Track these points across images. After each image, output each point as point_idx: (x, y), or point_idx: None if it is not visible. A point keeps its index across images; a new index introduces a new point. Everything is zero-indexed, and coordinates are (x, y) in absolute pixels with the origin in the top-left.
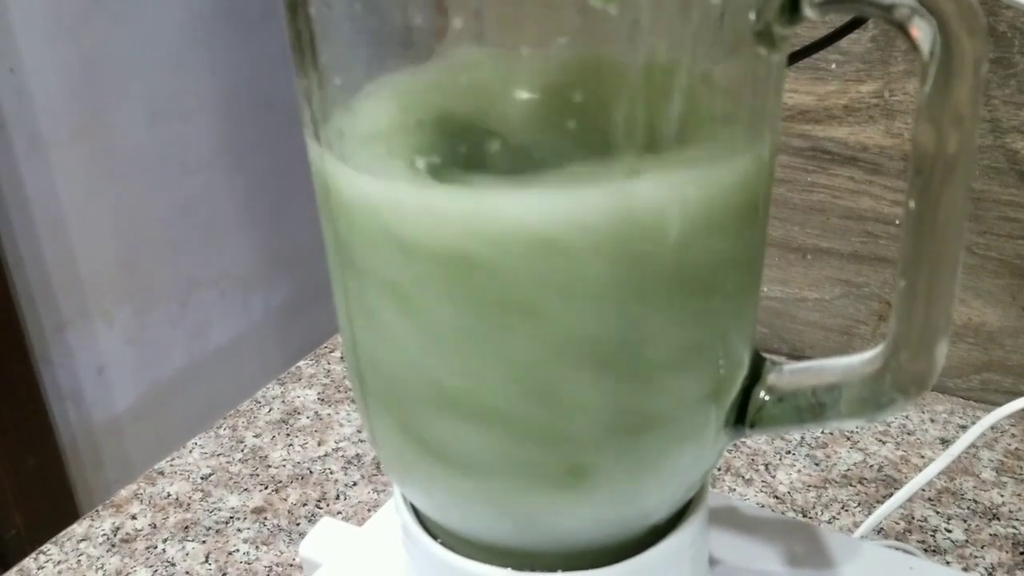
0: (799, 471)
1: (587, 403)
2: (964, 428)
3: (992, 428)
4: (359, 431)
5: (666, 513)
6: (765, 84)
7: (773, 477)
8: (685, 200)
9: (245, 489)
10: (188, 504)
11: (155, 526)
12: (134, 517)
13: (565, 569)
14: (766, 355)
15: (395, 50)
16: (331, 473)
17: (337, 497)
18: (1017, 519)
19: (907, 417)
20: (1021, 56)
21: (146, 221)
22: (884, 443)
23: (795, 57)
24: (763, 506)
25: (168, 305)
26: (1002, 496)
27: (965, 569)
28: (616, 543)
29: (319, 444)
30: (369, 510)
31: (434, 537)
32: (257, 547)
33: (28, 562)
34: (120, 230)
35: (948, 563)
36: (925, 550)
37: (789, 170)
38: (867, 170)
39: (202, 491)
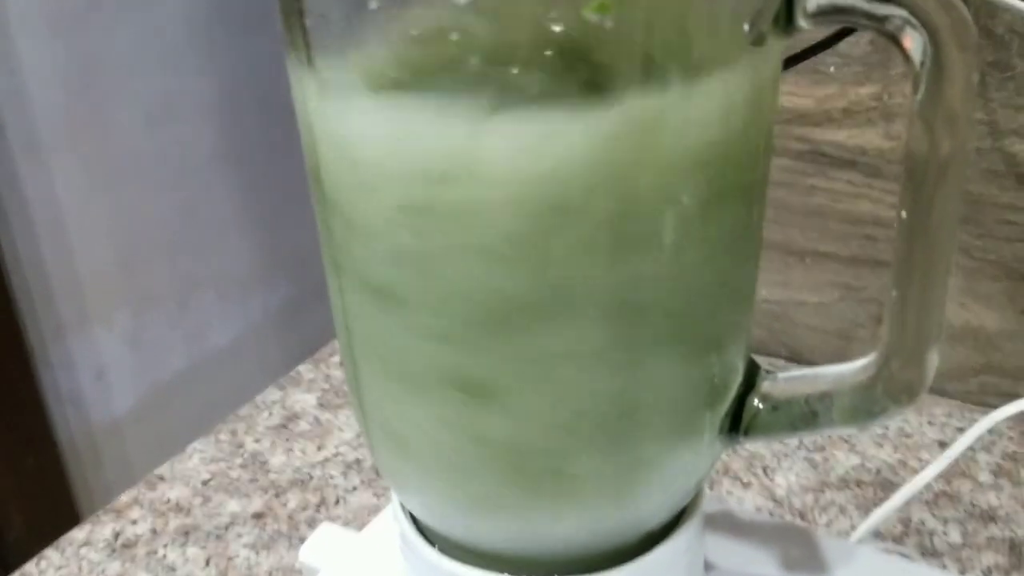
0: (797, 474)
1: (581, 411)
2: (962, 431)
3: (990, 431)
4: (359, 436)
5: (661, 519)
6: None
7: (771, 480)
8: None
9: (245, 494)
10: (188, 509)
11: (156, 531)
12: (135, 522)
13: (561, 575)
14: (763, 359)
15: None
16: (331, 478)
17: (337, 502)
18: (1014, 522)
19: (905, 420)
20: (1019, 59)
21: (144, 223)
22: (882, 446)
23: (793, 60)
24: (760, 509)
25: (167, 307)
26: (999, 499)
27: (962, 572)
28: (611, 549)
29: (319, 449)
30: (369, 514)
31: (432, 544)
32: (257, 552)
33: (30, 567)
34: (119, 232)
35: (945, 566)
36: (922, 553)
37: (788, 173)
38: (866, 173)
39: (202, 496)
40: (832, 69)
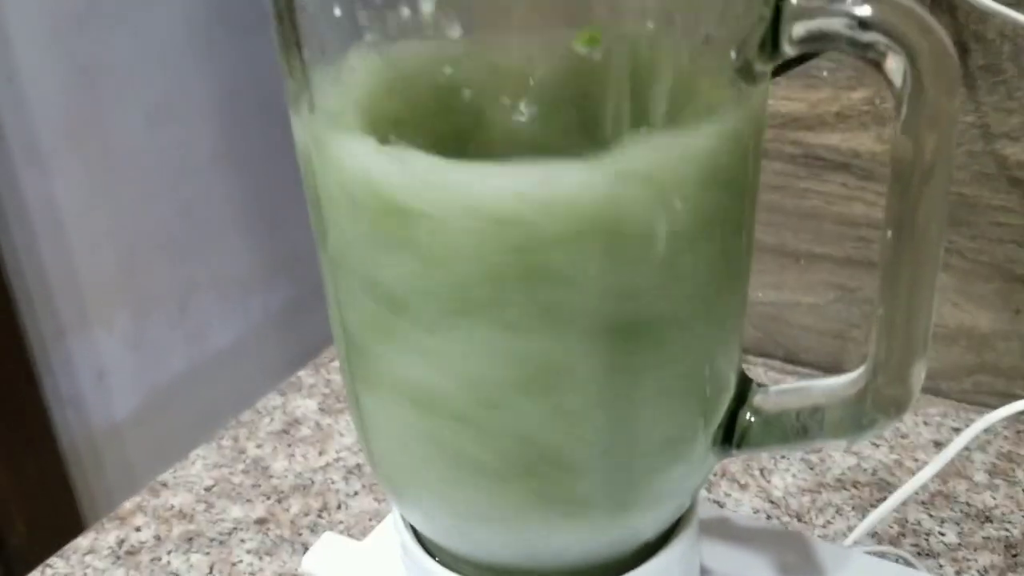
0: (794, 476)
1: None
2: (957, 431)
3: (985, 431)
4: (359, 441)
5: (657, 530)
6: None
7: (768, 482)
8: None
9: (248, 500)
10: (191, 516)
11: (159, 538)
12: (138, 529)
13: None
14: (759, 359)
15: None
16: (332, 483)
17: (339, 507)
18: (1009, 521)
19: (901, 420)
20: (1010, 63)
21: (144, 225)
22: (878, 446)
23: (787, 66)
24: (758, 511)
25: (167, 309)
26: (995, 499)
27: (958, 572)
28: (608, 560)
29: (320, 454)
30: (370, 519)
31: (432, 555)
32: (260, 557)
33: (35, 575)
34: (119, 235)
35: (941, 566)
36: (918, 554)
37: (782, 177)
38: (859, 176)
39: (205, 502)
40: (825, 74)
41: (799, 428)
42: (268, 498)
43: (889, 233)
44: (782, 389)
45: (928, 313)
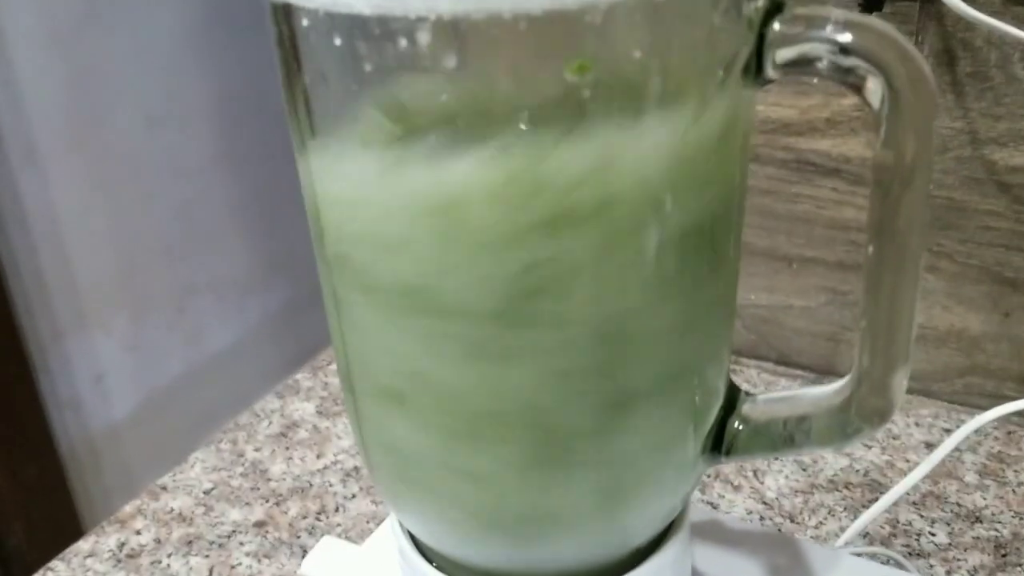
0: (787, 477)
1: (567, 436)
2: (948, 432)
3: (976, 432)
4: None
5: (648, 536)
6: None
7: (761, 483)
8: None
9: (246, 503)
10: (191, 519)
11: (159, 541)
12: (138, 532)
13: None
14: (752, 361)
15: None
16: (330, 486)
17: (337, 510)
18: (999, 522)
19: (893, 421)
20: (997, 69)
21: (142, 228)
22: (870, 448)
23: None
24: (751, 512)
25: (165, 311)
26: (985, 499)
27: (948, 572)
28: (600, 565)
29: (318, 457)
30: (368, 522)
31: (429, 560)
32: (259, 560)
33: None
34: (116, 237)
35: (931, 566)
36: (909, 554)
37: (774, 181)
38: (850, 181)
39: (204, 506)
40: (815, 81)
41: (786, 436)
42: (267, 501)
43: (871, 243)
44: (770, 398)
45: (909, 323)
